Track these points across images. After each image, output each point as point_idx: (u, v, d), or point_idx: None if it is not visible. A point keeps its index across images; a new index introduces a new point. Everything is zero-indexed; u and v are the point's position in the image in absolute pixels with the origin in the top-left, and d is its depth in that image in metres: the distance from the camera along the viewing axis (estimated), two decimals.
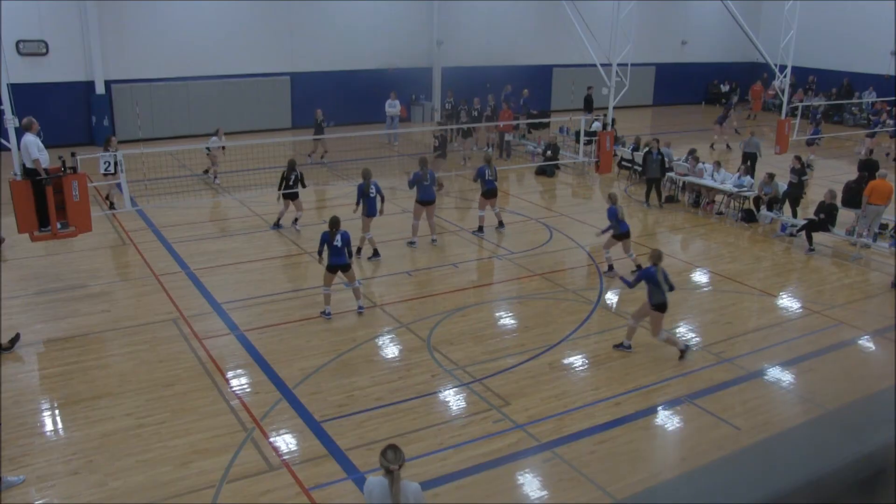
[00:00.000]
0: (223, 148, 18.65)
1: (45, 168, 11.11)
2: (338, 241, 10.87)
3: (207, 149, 18.57)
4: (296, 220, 15.47)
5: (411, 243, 14.55)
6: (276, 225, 15.49)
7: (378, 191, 13.46)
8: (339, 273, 11.13)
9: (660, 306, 9.88)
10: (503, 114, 23.47)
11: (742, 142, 20.91)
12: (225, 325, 10.99)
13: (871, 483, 2.09)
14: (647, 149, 18.35)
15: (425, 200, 14.38)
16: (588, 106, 25.72)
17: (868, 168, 17.18)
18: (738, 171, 17.72)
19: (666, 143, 19.22)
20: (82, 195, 11.51)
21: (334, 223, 10.96)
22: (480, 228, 15.37)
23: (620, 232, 12.78)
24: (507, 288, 12.97)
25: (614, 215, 12.77)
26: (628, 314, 10.71)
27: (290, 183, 14.98)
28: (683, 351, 10.11)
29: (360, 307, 11.38)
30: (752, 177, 17.59)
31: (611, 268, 13.11)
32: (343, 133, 21.02)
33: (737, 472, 2.01)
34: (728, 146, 25.32)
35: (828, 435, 2.24)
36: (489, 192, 15.14)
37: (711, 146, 24.89)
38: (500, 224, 15.63)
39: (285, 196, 15.12)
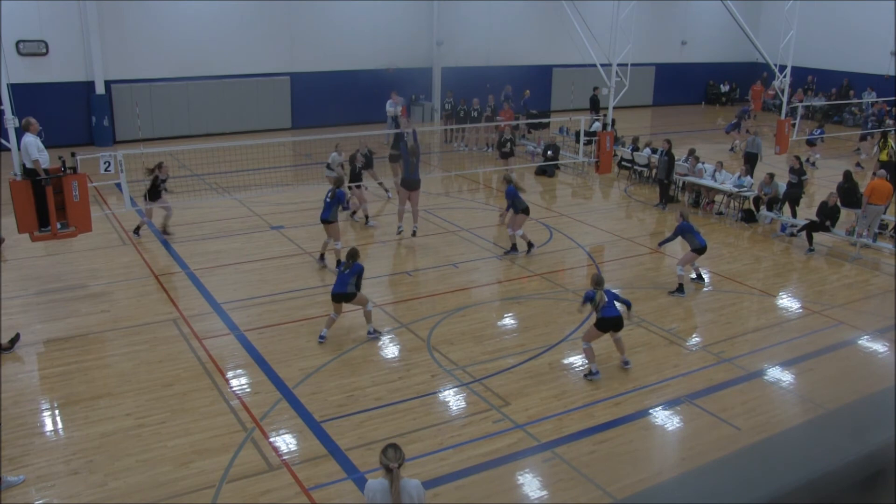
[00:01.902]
0: (342, 166, 16.47)
1: (45, 168, 11.12)
2: (347, 272, 10.24)
3: (329, 168, 16.59)
4: (366, 217, 15.89)
5: (398, 231, 14.43)
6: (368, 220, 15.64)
7: (339, 200, 12.84)
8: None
9: (599, 323, 9.60)
10: (503, 114, 23.45)
11: (746, 141, 20.89)
12: (225, 325, 10.99)
13: (871, 483, 2.09)
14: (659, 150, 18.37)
15: (409, 181, 13.80)
16: (594, 106, 25.71)
17: (889, 168, 17.01)
18: (740, 171, 17.71)
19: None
20: (82, 195, 11.50)
21: (352, 255, 10.33)
22: (530, 245, 14.14)
23: (700, 246, 12.29)
24: (507, 288, 12.97)
25: (690, 230, 12.37)
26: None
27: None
28: (587, 374, 9.70)
29: (369, 331, 10.62)
30: (752, 177, 17.58)
31: (680, 287, 12.55)
32: (344, 133, 20.96)
33: (737, 472, 2.01)
34: (733, 148, 25.35)
35: (828, 435, 2.24)
36: (527, 210, 13.97)
37: (731, 149, 24.77)
38: (514, 247, 14.33)
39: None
